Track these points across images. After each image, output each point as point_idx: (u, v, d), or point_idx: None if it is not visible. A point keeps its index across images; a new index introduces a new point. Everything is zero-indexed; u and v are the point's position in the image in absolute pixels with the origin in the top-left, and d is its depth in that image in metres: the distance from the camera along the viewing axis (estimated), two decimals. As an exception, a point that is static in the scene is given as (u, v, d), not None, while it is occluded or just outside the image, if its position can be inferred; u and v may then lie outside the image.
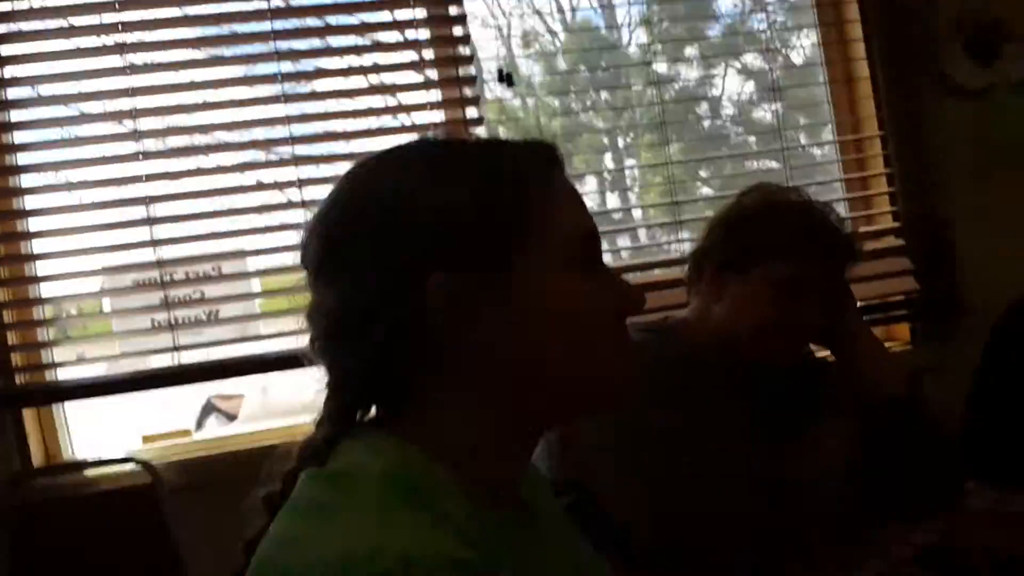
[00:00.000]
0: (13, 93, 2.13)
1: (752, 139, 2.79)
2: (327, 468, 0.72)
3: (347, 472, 0.70)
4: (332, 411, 0.76)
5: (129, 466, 2.01)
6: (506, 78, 2.20)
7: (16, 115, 2.13)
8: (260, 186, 2.21)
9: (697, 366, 1.37)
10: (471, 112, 2.23)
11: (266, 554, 0.67)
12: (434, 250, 0.71)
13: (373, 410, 0.78)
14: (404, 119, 2.27)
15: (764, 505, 1.26)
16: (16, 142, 2.14)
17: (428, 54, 2.24)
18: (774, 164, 2.51)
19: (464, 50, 2.23)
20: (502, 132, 2.43)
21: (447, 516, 0.66)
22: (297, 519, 0.68)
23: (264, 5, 2.18)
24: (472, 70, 2.23)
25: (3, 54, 2.11)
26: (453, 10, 2.24)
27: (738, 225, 1.42)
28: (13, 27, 2.14)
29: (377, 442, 0.73)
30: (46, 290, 2.14)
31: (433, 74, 2.25)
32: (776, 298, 1.35)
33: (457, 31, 2.24)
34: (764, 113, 2.54)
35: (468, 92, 2.21)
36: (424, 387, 0.74)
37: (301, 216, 2.16)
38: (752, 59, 2.73)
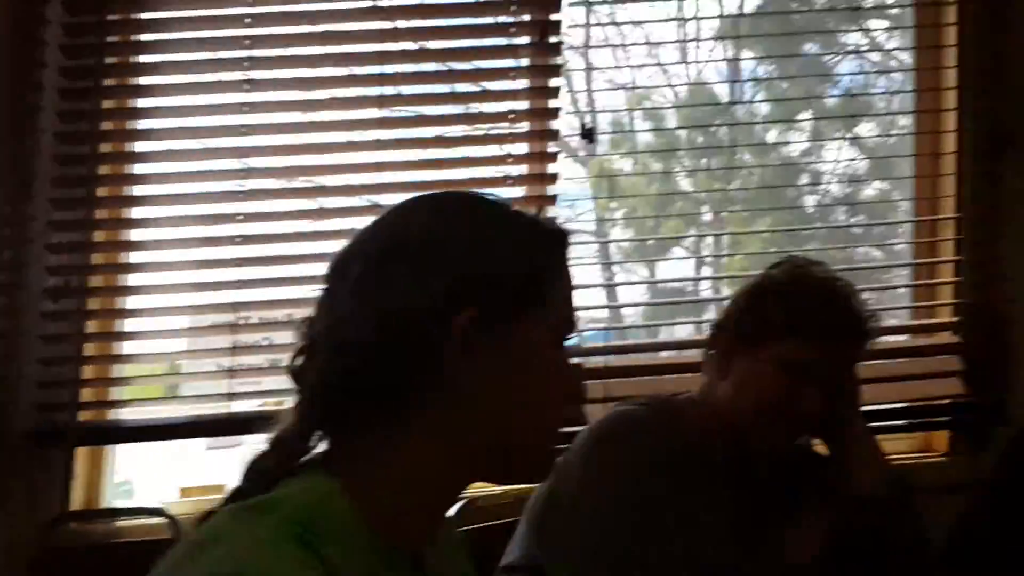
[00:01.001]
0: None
1: (860, 218, 2.52)
2: (248, 501, 0.75)
3: (260, 508, 0.73)
4: (291, 432, 0.81)
5: (159, 518, 1.98)
6: (587, 134, 2.04)
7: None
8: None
9: (691, 449, 1.34)
10: (551, 167, 2.19)
11: None
12: (476, 288, 0.80)
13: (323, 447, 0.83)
14: (492, 171, 2.20)
15: None
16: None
17: (522, 105, 2.22)
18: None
19: (553, 103, 2.20)
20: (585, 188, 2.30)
21: (329, 559, 0.70)
22: (182, 547, 0.72)
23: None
24: (557, 124, 2.20)
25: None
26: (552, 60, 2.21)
27: (757, 298, 1.37)
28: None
29: (310, 478, 0.78)
30: (129, 326, 2.19)
31: (523, 126, 2.22)
32: (779, 379, 1.30)
33: (552, 82, 2.22)
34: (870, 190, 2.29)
35: (551, 147, 2.19)
36: (395, 416, 0.80)
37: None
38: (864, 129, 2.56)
